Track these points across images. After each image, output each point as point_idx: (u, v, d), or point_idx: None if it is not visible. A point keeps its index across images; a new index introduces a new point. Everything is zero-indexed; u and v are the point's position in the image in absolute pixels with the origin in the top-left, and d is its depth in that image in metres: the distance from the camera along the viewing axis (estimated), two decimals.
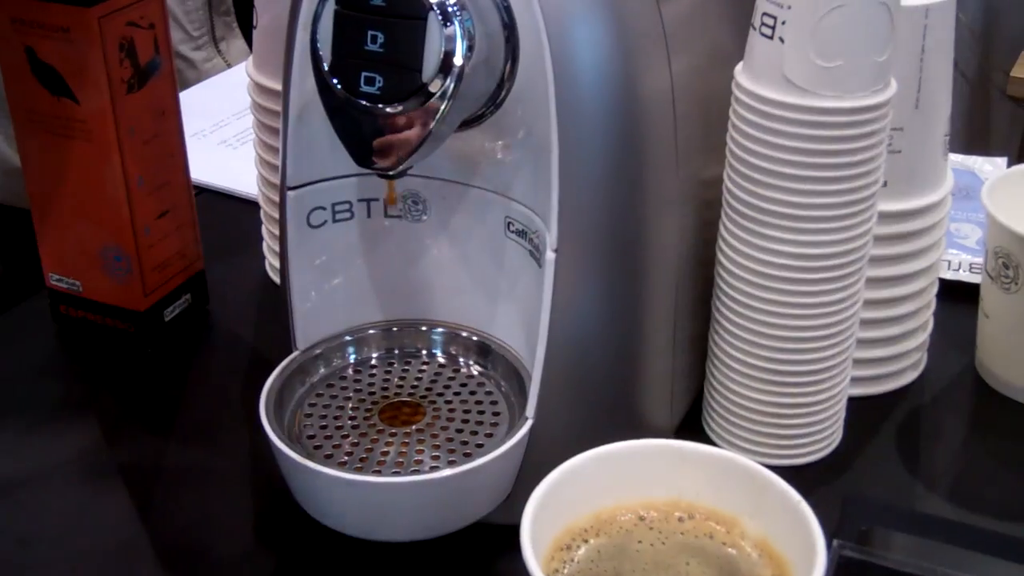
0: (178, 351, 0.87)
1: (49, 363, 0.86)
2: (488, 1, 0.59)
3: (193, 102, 1.06)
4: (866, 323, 0.75)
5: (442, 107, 0.57)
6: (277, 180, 0.86)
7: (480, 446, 0.67)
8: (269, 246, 0.94)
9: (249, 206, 1.03)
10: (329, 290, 0.72)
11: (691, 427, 0.77)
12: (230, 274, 0.96)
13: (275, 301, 0.91)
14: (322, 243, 0.71)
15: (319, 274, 0.71)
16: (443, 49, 0.56)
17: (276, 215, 0.88)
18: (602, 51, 0.61)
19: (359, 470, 0.64)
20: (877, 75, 0.64)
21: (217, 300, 0.92)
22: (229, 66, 1.61)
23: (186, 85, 2.27)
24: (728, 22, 0.73)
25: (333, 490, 0.63)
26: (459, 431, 0.68)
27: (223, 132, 1.18)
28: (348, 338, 0.73)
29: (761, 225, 0.67)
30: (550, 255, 0.62)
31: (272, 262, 0.94)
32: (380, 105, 0.57)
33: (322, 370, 0.72)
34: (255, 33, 0.84)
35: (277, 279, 0.93)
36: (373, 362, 0.74)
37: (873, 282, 0.74)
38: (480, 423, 0.68)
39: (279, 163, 0.69)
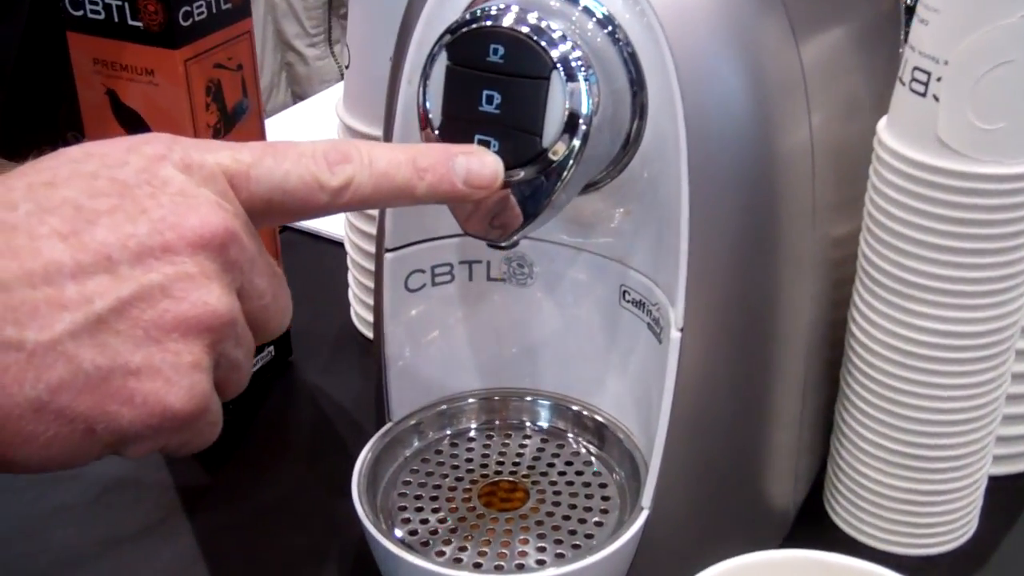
0: (261, 407, 0.82)
1: None
2: (615, 56, 0.53)
3: (278, 132, 1.01)
4: (1009, 398, 0.68)
5: (563, 174, 0.52)
6: (366, 228, 0.82)
7: (589, 536, 0.61)
8: (356, 294, 0.89)
9: (334, 247, 0.99)
10: (426, 357, 0.67)
11: (812, 508, 0.71)
12: (314, 322, 0.91)
13: (362, 352, 0.87)
14: (420, 308, 0.65)
15: (416, 340, 0.66)
16: (567, 111, 0.51)
17: (364, 264, 0.83)
18: (739, 104, 0.55)
19: (459, 563, 0.59)
20: None
21: (301, 351, 0.87)
22: (339, 67, 1.58)
23: (295, 80, 2.24)
24: (862, 66, 0.67)
25: None
26: (566, 518, 0.62)
27: None
28: (445, 408, 0.68)
29: (903, 298, 0.61)
30: (675, 334, 0.56)
31: (359, 311, 0.89)
32: None
33: (416, 443, 0.67)
34: (347, 73, 0.79)
35: (363, 329, 0.88)
36: (472, 434, 0.68)
37: (1019, 355, 0.67)
38: (588, 509, 0.63)
39: (376, 221, 0.64)
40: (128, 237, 0.41)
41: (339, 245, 0.93)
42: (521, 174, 0.52)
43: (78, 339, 0.40)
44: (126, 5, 0.67)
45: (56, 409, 0.40)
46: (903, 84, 0.59)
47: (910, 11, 0.61)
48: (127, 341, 0.41)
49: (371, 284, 0.80)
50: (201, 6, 0.69)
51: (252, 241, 0.45)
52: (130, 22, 0.68)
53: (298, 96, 2.18)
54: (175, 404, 0.42)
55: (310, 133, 1.21)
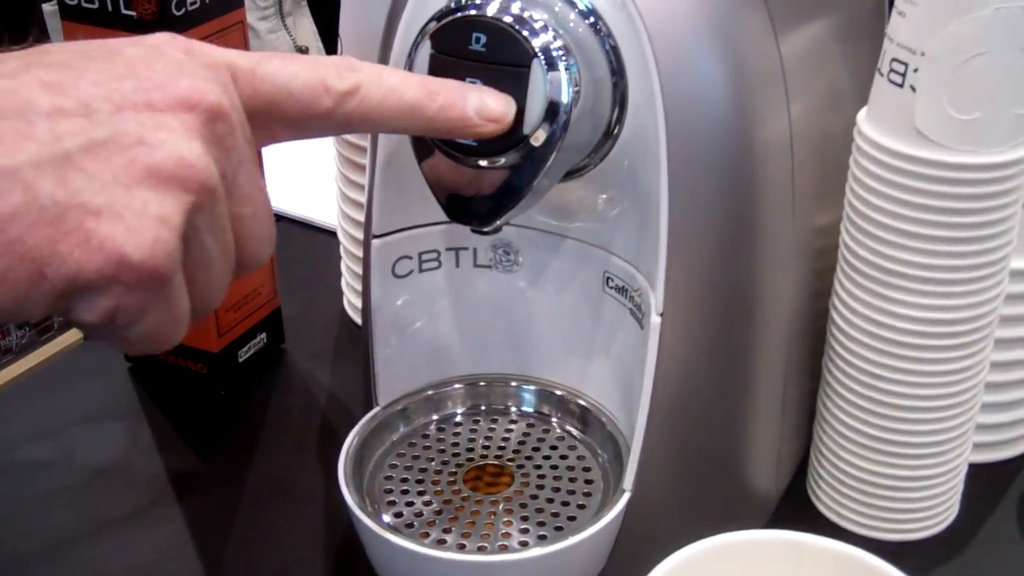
0: (252, 393, 0.83)
1: (118, 404, 0.82)
2: (596, 46, 0.54)
3: None
4: (988, 386, 0.69)
5: (544, 161, 0.52)
6: (358, 216, 0.83)
7: (572, 519, 0.62)
8: (348, 283, 0.90)
9: (327, 236, 1.00)
10: (413, 343, 0.68)
11: (795, 493, 0.72)
12: (307, 310, 0.92)
13: (354, 340, 0.88)
14: (407, 294, 0.66)
15: (403, 326, 0.67)
16: (547, 99, 0.51)
17: (356, 252, 0.84)
18: (718, 95, 0.56)
19: (443, 543, 0.60)
20: (1017, 128, 0.58)
21: (293, 338, 0.88)
22: (295, 41, 1.58)
23: None
24: (845, 59, 0.67)
25: (418, 566, 0.58)
26: (549, 500, 0.63)
27: (302, 156, 1.14)
28: (431, 393, 0.69)
29: (883, 286, 0.62)
30: (655, 319, 0.57)
31: (351, 299, 0.90)
32: (477, 157, 0.53)
33: (403, 428, 0.68)
34: None
35: (356, 316, 0.89)
36: (458, 419, 0.69)
37: (998, 343, 0.68)
38: (572, 492, 0.64)
39: (364, 209, 0.65)
40: (112, 91, 0.39)
41: (332, 234, 0.94)
42: (503, 160, 0.52)
43: (40, 170, 0.37)
44: None
45: (6, 240, 0.37)
46: (882, 75, 0.60)
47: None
48: (92, 181, 0.38)
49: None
50: None
51: (244, 139, 0.42)
52: (123, 11, 0.69)
53: None
54: (133, 253, 0.38)
55: None
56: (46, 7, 1.20)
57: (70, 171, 0.37)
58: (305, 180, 1.07)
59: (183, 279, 0.41)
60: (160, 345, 0.42)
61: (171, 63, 0.41)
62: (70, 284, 0.38)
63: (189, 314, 0.42)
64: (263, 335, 0.84)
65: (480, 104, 0.50)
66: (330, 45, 1.47)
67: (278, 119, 0.45)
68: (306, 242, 1.02)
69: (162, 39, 0.43)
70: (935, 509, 0.69)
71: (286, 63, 0.45)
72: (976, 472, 0.73)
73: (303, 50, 1.67)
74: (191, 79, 0.41)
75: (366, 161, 0.66)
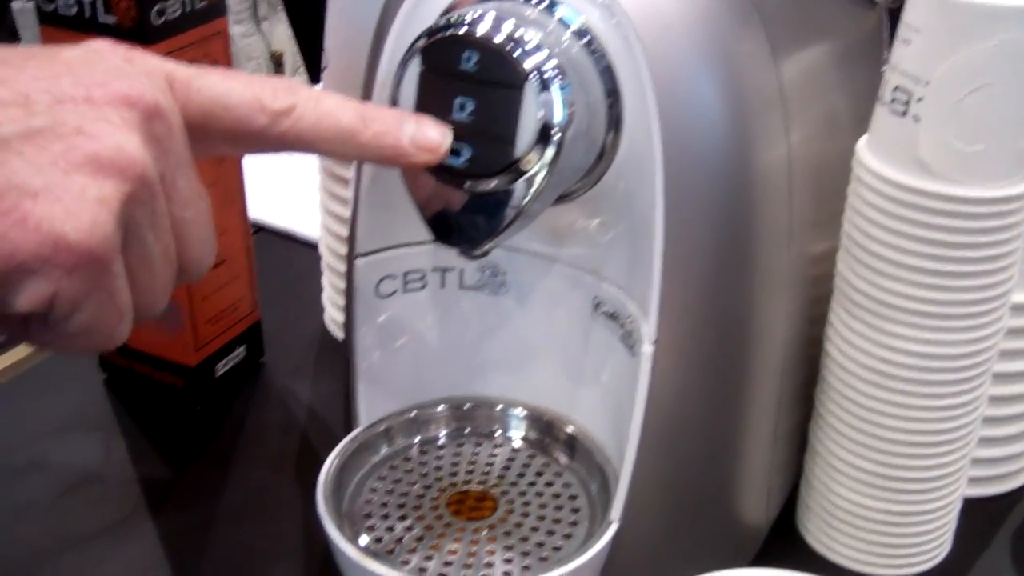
0: (230, 409, 0.81)
1: (92, 416, 0.80)
2: (590, 66, 0.52)
3: None
4: (986, 420, 0.67)
5: (536, 184, 0.51)
6: (341, 231, 0.81)
7: (557, 548, 0.60)
8: (330, 297, 0.88)
9: (308, 248, 0.98)
10: (397, 363, 0.66)
11: (785, 525, 0.70)
12: (287, 323, 0.90)
13: (335, 355, 0.86)
14: (391, 314, 0.64)
15: (386, 347, 0.65)
16: (540, 120, 0.50)
17: (339, 267, 0.82)
18: (716, 119, 0.54)
19: (424, 571, 0.58)
20: (1020, 161, 0.57)
21: (273, 352, 0.86)
22: (270, 46, 1.56)
23: None
24: (843, 85, 0.66)
25: None
26: (534, 529, 0.61)
27: (285, 167, 1.12)
28: (414, 414, 0.67)
29: (881, 319, 0.60)
30: (647, 348, 0.56)
31: (332, 314, 0.88)
32: (467, 180, 0.51)
33: (385, 449, 0.66)
34: (324, 75, 0.78)
35: (337, 331, 0.87)
36: (441, 442, 0.67)
37: (996, 378, 0.67)
38: (557, 521, 0.62)
39: (348, 227, 0.63)
40: (52, 85, 0.40)
41: (313, 247, 0.92)
42: (494, 183, 0.51)
43: None
44: (99, 1, 0.67)
45: None
46: (883, 104, 0.58)
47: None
48: (30, 165, 0.38)
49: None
50: (175, 4, 0.68)
51: (183, 143, 0.43)
52: (102, 19, 0.67)
53: None
54: (71, 234, 0.38)
55: None
56: (14, 5, 1.18)
57: (8, 155, 0.38)
58: (287, 191, 1.05)
59: (123, 268, 0.41)
60: (103, 341, 0.42)
61: (110, 66, 0.42)
62: (4, 265, 0.38)
63: (131, 310, 0.42)
64: (242, 349, 0.82)
65: (415, 133, 0.50)
66: (308, 51, 1.46)
67: (214, 132, 0.46)
68: (287, 254, 1.00)
69: (103, 45, 0.44)
70: (927, 544, 0.67)
71: (224, 78, 0.46)
72: (969, 506, 0.71)
73: (278, 55, 1.65)
74: (130, 79, 0.41)
75: (351, 175, 0.64)
